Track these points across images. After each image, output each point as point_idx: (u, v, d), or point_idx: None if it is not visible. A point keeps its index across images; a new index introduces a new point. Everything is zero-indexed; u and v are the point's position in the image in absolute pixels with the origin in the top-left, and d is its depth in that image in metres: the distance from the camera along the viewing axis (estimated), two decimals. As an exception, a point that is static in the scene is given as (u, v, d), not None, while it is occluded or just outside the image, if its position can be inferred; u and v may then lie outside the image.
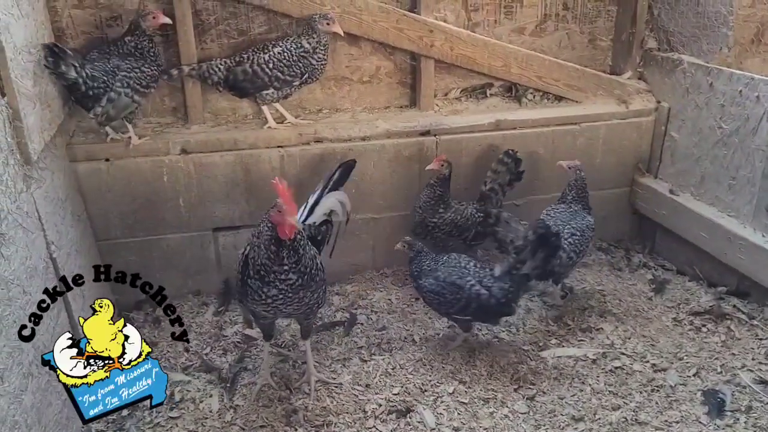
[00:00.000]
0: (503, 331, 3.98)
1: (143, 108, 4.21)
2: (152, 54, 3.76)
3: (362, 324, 4.06)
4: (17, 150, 2.90)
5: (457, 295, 3.53)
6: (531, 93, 4.78)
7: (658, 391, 3.50)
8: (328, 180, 3.74)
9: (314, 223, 3.60)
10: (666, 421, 3.30)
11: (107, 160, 3.89)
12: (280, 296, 3.02)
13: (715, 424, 3.24)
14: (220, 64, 4.01)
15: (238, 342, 3.88)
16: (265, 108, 4.17)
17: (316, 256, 3.21)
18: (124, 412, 3.33)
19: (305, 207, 3.63)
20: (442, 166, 4.04)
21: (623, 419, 3.31)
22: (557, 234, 3.63)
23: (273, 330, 3.52)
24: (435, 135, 4.39)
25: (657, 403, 3.42)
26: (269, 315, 3.21)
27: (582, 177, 4.11)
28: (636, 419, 3.31)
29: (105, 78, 3.61)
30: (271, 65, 3.97)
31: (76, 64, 3.47)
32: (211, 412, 3.37)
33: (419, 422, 3.30)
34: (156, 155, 3.96)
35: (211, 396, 3.47)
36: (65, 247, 3.34)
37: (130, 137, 3.88)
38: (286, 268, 2.96)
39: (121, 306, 4.13)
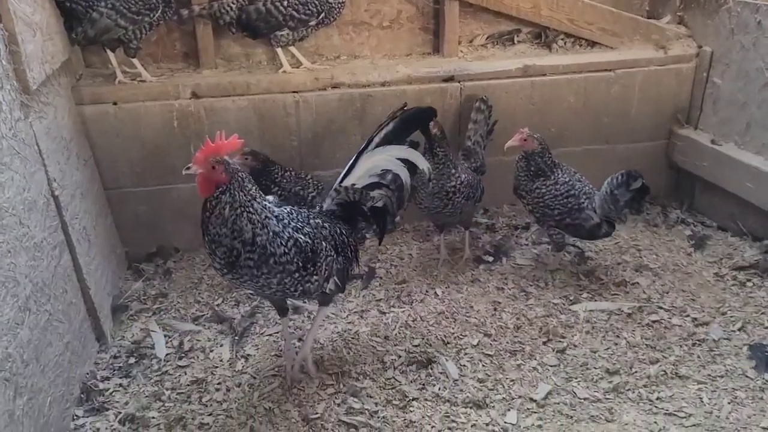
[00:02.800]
0: (531, 285, 3.74)
1: (155, 54, 4.08)
2: None
3: (381, 278, 3.86)
4: (14, 76, 2.74)
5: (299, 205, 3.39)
6: (562, 39, 4.51)
7: (699, 345, 3.24)
8: (379, 131, 2.93)
9: (353, 185, 2.92)
10: (709, 375, 3.05)
11: (115, 103, 3.72)
12: (224, 270, 2.58)
13: (764, 379, 2.98)
14: (232, 3, 3.81)
15: (250, 294, 3.70)
16: (279, 50, 3.96)
17: (294, 232, 2.63)
18: (131, 360, 3.20)
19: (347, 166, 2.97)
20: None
21: (662, 372, 3.06)
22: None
23: (284, 303, 3.03)
24: (459, 81, 4.14)
25: (699, 357, 3.16)
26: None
27: (544, 140, 3.64)
28: (676, 373, 3.06)
29: None
30: (285, 3, 3.77)
31: None
32: (221, 361, 3.20)
33: (441, 373, 3.09)
34: (165, 99, 3.79)
35: (221, 345, 3.30)
36: (69, 187, 3.18)
37: (140, 74, 3.71)
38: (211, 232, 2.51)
39: (131, 258, 4.00)
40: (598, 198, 3.54)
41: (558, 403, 2.92)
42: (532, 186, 3.66)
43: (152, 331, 3.39)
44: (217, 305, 3.62)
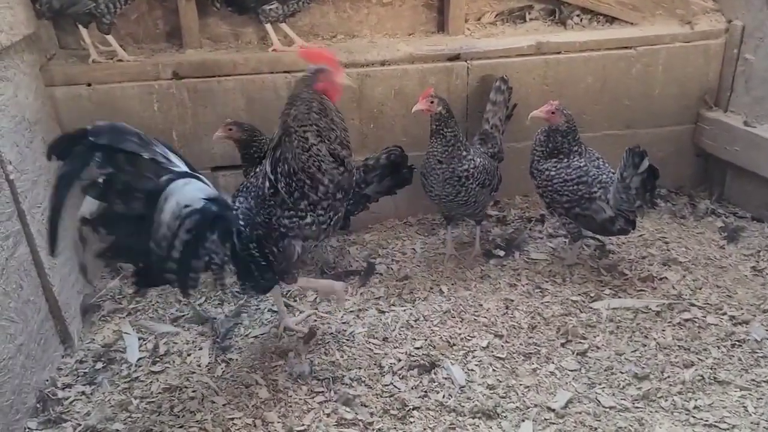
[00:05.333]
0: (546, 281, 3.37)
1: (136, 34, 3.77)
2: None
3: (381, 274, 3.50)
4: (-43, 41, 2.43)
5: None
6: (578, 15, 4.14)
7: (740, 346, 2.86)
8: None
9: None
10: (753, 380, 2.67)
11: (89, 85, 3.40)
12: None
13: (818, 384, 2.60)
14: (216, -26, 3.49)
15: (237, 292, 3.35)
16: (269, 27, 3.63)
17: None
18: (98, 365, 2.86)
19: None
20: (432, 103, 3.25)
21: (699, 377, 2.69)
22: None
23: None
24: (466, 60, 3.79)
25: (740, 359, 2.78)
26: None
27: (572, 117, 3.31)
28: (715, 377, 2.69)
29: None
30: (273, -28, 3.44)
31: None
32: (199, 366, 2.86)
33: (446, 378, 2.73)
34: (144, 80, 3.46)
35: (200, 349, 2.96)
36: (31, 173, 2.86)
37: (116, 52, 3.41)
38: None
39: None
40: (612, 188, 3.18)
41: (580, 413, 2.55)
42: (543, 166, 3.32)
43: (125, 333, 3.06)
44: (199, 304, 3.28)
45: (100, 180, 2.16)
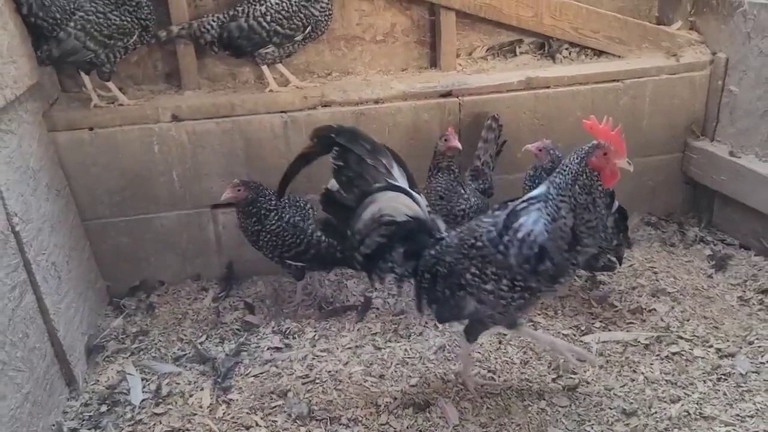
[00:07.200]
0: (538, 315, 3.46)
1: (135, 76, 3.87)
2: (131, 2, 3.34)
3: (378, 309, 3.59)
4: (-36, 104, 2.52)
5: (297, 238, 3.34)
6: (566, 49, 4.24)
7: (726, 380, 2.94)
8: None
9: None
10: (738, 415, 2.75)
11: (91, 129, 3.50)
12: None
13: (800, 419, 2.68)
14: (213, 21, 3.58)
15: (237, 329, 3.45)
16: (265, 68, 3.73)
17: None
18: (102, 408, 2.94)
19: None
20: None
21: (685, 413, 2.77)
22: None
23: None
24: (458, 96, 3.88)
25: (725, 393, 2.86)
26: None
27: (559, 158, 3.36)
28: (700, 413, 2.76)
29: (59, 15, 3.20)
30: (268, 18, 3.53)
31: None
32: (201, 407, 2.94)
33: (440, 417, 2.81)
34: (144, 123, 3.56)
35: (202, 389, 3.04)
36: (35, 221, 2.95)
37: (116, 97, 3.52)
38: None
39: (113, 293, 3.76)
40: None
41: (569, 451, 2.64)
42: None
43: (128, 374, 3.15)
44: (201, 343, 3.36)
45: (334, 167, 2.60)
